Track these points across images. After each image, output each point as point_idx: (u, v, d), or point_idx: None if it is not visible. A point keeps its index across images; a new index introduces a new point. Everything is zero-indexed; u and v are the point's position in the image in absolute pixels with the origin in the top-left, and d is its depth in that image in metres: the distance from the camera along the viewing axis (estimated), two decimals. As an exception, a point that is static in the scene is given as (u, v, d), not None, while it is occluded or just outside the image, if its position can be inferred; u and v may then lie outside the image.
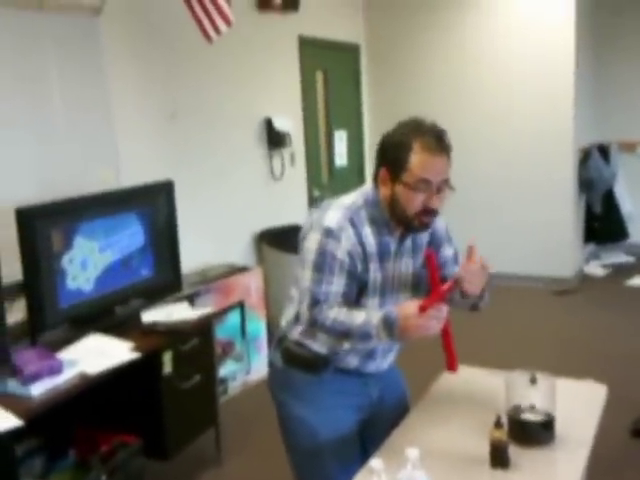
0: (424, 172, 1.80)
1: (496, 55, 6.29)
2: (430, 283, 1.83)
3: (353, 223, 1.86)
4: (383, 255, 1.92)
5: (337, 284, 1.82)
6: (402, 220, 1.88)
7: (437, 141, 1.82)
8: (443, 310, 1.73)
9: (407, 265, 2.00)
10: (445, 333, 1.84)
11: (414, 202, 1.83)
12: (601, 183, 6.59)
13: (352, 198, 1.93)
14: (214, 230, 4.65)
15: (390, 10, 6.66)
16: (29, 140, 3.29)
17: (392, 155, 1.84)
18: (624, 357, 4.58)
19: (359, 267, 1.87)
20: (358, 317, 1.78)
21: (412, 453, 1.54)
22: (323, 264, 1.82)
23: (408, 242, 1.99)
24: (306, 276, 1.84)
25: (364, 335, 1.77)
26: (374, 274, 1.91)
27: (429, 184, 1.81)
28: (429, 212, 1.85)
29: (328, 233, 1.83)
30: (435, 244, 2.08)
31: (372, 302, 1.94)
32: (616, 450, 3.29)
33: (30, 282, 2.85)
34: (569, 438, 1.91)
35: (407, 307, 1.75)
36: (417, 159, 1.80)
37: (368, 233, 1.89)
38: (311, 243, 1.85)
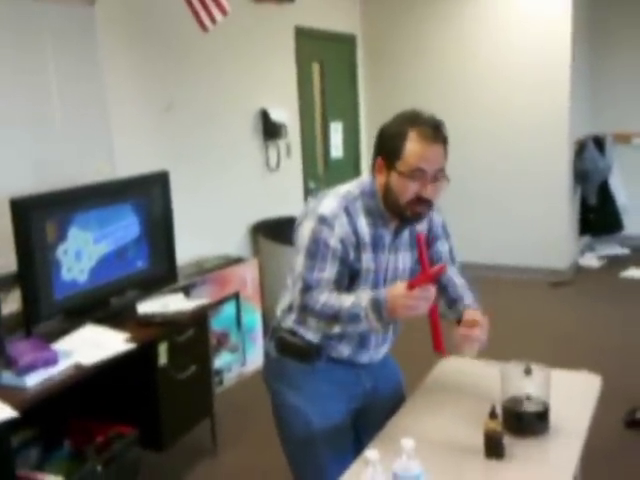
0: (419, 161, 1.81)
1: (493, 47, 6.28)
2: (420, 265, 1.85)
3: (348, 212, 1.87)
4: (377, 246, 1.92)
5: (329, 271, 1.84)
6: (395, 210, 1.88)
7: (433, 131, 1.82)
8: (431, 291, 1.74)
9: (404, 259, 2.01)
10: (432, 314, 1.86)
11: (407, 191, 1.83)
12: (596, 175, 6.60)
13: (348, 187, 1.94)
14: (210, 221, 4.64)
15: (387, 0, 6.64)
16: (24, 132, 3.28)
17: (388, 144, 1.86)
18: (618, 348, 4.60)
19: (351, 255, 1.88)
20: (347, 300, 1.80)
21: (407, 443, 1.54)
22: (316, 251, 1.83)
23: (405, 236, 2.00)
24: (299, 262, 1.86)
25: (353, 317, 1.79)
26: (366, 264, 1.91)
27: (424, 173, 1.82)
28: (422, 202, 1.85)
29: (322, 220, 1.84)
30: (430, 240, 2.10)
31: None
32: (610, 441, 3.31)
33: (24, 273, 2.84)
34: (563, 429, 1.92)
35: (396, 287, 1.77)
36: (412, 148, 1.81)
37: (363, 224, 1.89)
38: (305, 230, 1.87)
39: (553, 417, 1.92)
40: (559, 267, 6.35)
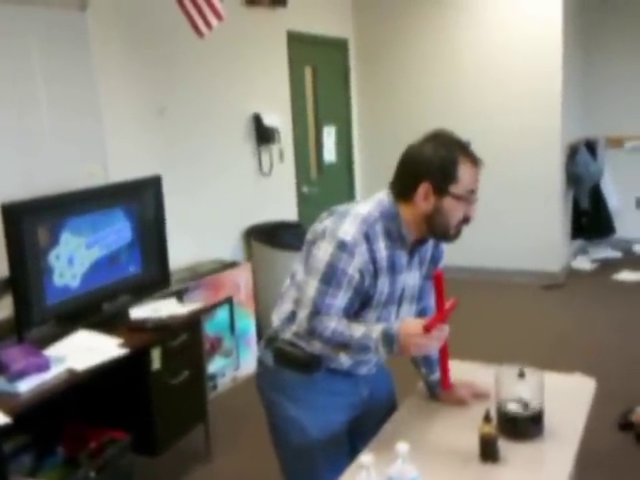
0: (472, 183, 1.87)
1: (484, 52, 6.30)
2: (436, 303, 1.84)
3: (368, 238, 1.82)
4: (394, 269, 1.90)
5: (341, 298, 1.81)
6: (440, 232, 1.90)
7: (474, 153, 1.88)
8: (445, 330, 1.79)
9: (414, 278, 2.00)
10: (443, 352, 1.91)
11: (458, 212, 1.87)
12: (588, 178, 6.63)
13: (368, 208, 1.89)
14: (203, 226, 4.63)
15: (379, 4, 6.65)
16: (14, 137, 3.26)
17: (438, 169, 1.83)
18: (612, 351, 4.61)
19: (367, 283, 1.85)
20: (357, 330, 1.80)
21: (402, 448, 1.54)
22: (331, 278, 1.80)
23: (417, 255, 1.99)
24: (311, 285, 1.82)
25: (363, 348, 1.80)
26: (381, 288, 1.89)
27: (473, 194, 1.88)
28: (466, 221, 1.90)
29: (342, 247, 1.79)
30: (436, 259, 2.09)
31: (373, 314, 1.92)
32: (605, 443, 3.31)
33: (17, 279, 2.83)
34: (558, 432, 1.92)
35: (410, 326, 1.77)
36: (466, 171, 1.85)
37: (381, 247, 1.86)
38: (322, 253, 1.81)
39: (547, 420, 1.92)
40: (552, 270, 6.37)
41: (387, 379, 2.26)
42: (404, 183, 1.89)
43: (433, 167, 1.83)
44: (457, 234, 1.92)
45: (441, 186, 1.84)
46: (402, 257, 1.92)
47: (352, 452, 1.99)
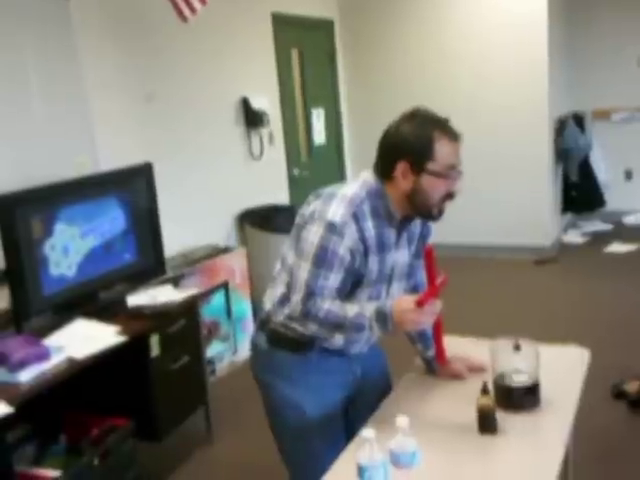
0: (451, 158, 1.86)
1: (471, 28, 6.29)
2: (427, 278, 1.86)
3: (356, 218, 1.84)
4: (383, 247, 1.92)
5: (334, 279, 1.83)
6: (422, 210, 1.91)
7: (452, 128, 1.87)
8: (438, 305, 1.80)
9: (404, 255, 2.02)
10: (437, 327, 1.95)
11: (439, 189, 1.87)
12: (577, 152, 6.66)
13: (354, 189, 1.90)
14: (196, 212, 4.63)
15: (363, -15, 6.62)
16: (3, 128, 3.24)
17: (413, 147, 1.84)
18: (605, 322, 4.67)
19: (358, 262, 1.86)
20: (351, 310, 1.82)
21: (402, 421, 1.57)
22: (323, 259, 1.81)
23: (405, 233, 2.01)
24: (304, 268, 1.83)
25: (358, 327, 1.82)
26: (371, 267, 1.91)
27: (454, 169, 1.87)
28: (450, 197, 1.90)
29: (332, 228, 1.80)
30: (424, 236, 2.11)
31: (365, 293, 1.94)
32: (599, 412, 3.37)
33: (12, 270, 2.84)
34: (554, 402, 1.95)
35: (403, 302, 1.79)
36: (443, 147, 1.84)
37: (370, 226, 1.87)
38: (313, 236, 1.82)
39: (543, 391, 1.95)
40: (543, 245, 6.41)
41: (380, 358, 2.29)
42: (384, 163, 1.90)
43: (408, 145, 1.84)
44: (441, 212, 1.93)
45: (418, 164, 1.84)
46: (390, 235, 1.94)
47: (347, 431, 2.03)
